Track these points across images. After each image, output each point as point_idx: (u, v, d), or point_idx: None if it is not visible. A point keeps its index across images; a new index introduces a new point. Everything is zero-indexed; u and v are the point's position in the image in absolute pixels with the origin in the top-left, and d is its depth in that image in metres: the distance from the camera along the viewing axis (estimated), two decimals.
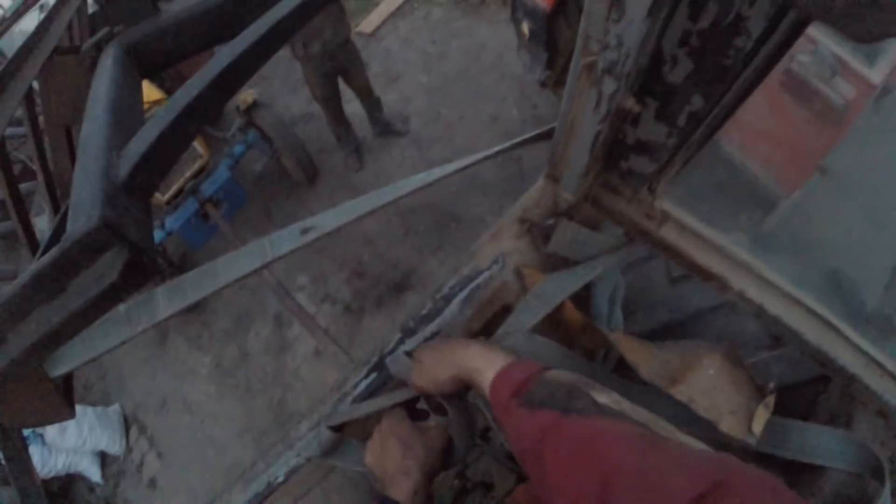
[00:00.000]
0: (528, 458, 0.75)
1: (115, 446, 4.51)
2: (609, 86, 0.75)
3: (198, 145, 4.25)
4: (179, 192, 4.21)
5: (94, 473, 4.62)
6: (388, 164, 5.03)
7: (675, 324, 1.58)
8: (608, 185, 1.11)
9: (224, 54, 0.90)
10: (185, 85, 0.85)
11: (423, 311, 1.24)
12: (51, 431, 4.44)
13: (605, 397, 0.74)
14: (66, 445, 4.51)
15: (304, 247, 1.03)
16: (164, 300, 0.92)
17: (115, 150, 0.76)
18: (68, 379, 0.99)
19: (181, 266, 4.65)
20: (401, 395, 1.15)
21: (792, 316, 1.04)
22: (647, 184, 1.03)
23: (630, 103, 0.78)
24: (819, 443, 1.11)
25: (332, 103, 4.65)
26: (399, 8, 6.54)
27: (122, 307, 0.97)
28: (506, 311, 1.25)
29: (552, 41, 3.54)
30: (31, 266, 0.67)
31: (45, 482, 4.56)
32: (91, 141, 0.79)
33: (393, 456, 1.04)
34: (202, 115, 0.86)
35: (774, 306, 1.03)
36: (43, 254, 0.74)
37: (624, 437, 0.65)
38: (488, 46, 5.58)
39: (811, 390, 1.33)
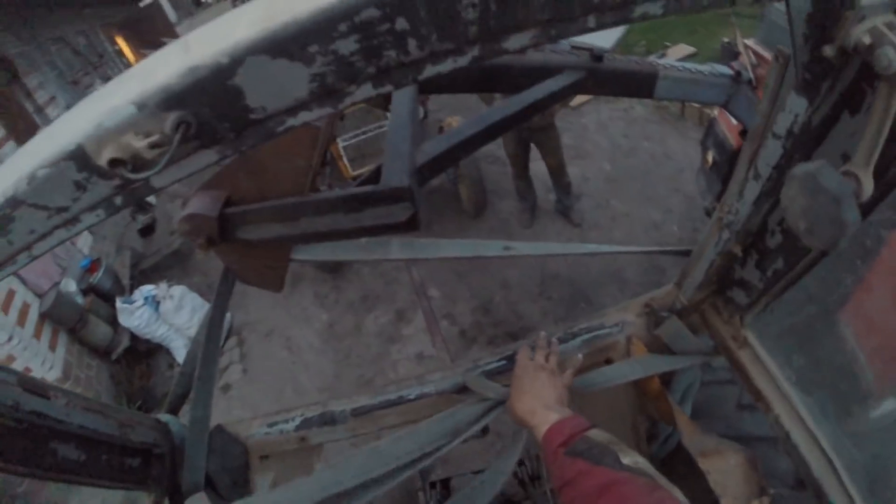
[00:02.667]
0: (566, 493, 1.03)
1: None
2: (725, 234, 1.14)
3: None
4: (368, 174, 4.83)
5: (180, 354, 5.16)
6: (548, 230, 5.35)
7: (730, 439, 1.85)
8: (714, 305, 1.47)
9: (496, 112, 1.34)
10: (467, 122, 1.29)
11: (554, 336, 1.63)
12: (167, 304, 5.06)
13: (628, 459, 1.02)
14: (173, 321, 5.11)
15: (451, 266, 1.46)
16: (397, 248, 1.39)
17: (415, 144, 1.20)
18: (287, 265, 1.40)
19: None
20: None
21: (807, 449, 1.31)
22: (740, 312, 1.37)
23: (737, 249, 1.16)
24: None
25: (518, 162, 5.03)
26: None
27: (363, 240, 1.46)
28: (607, 362, 1.64)
29: (731, 176, 3.77)
30: (349, 189, 1.09)
31: (136, 341, 5.23)
32: (401, 132, 1.22)
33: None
34: (473, 146, 1.30)
35: (797, 437, 1.32)
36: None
37: (635, 484, 0.95)
38: (673, 158, 5.83)
39: None
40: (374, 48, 0.54)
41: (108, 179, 0.61)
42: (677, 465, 1.84)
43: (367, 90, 0.58)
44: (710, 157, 4.06)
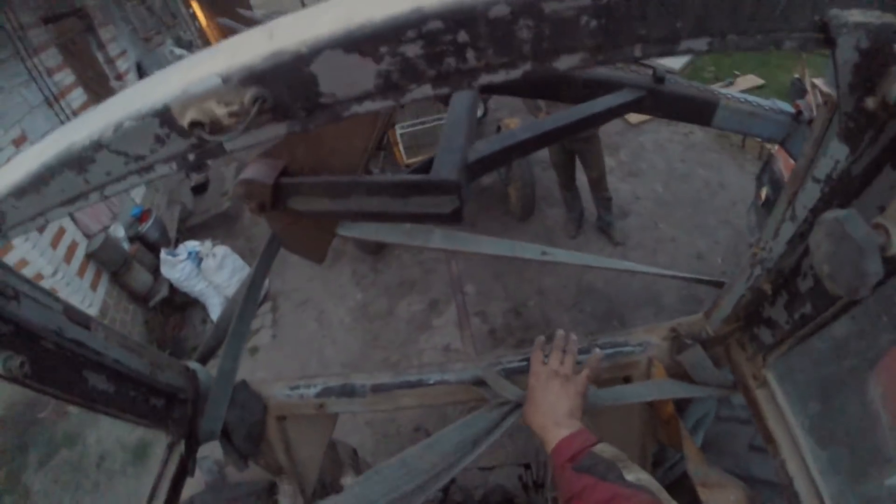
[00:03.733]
0: None
1: None
2: (757, 270, 1.16)
3: None
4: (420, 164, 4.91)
5: (214, 312, 5.36)
6: (591, 244, 5.38)
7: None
8: (739, 341, 1.48)
9: (550, 121, 1.37)
10: (521, 127, 1.33)
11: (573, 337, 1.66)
12: (209, 261, 5.26)
13: (632, 475, 1.06)
14: (212, 278, 5.29)
15: (490, 265, 1.51)
16: (439, 237, 1.45)
17: (468, 141, 1.24)
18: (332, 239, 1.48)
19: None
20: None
21: (808, 501, 1.30)
22: (763, 352, 1.38)
23: (767, 287, 1.18)
24: None
25: (564, 172, 5.05)
26: None
27: (407, 225, 1.52)
28: (626, 380, 1.67)
29: None
30: (400, 175, 1.13)
31: (174, 293, 5.46)
32: (457, 128, 1.25)
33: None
34: (524, 151, 1.33)
35: (799, 486, 1.31)
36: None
37: (637, 499, 0.99)
38: (728, 189, 5.77)
39: None
40: (437, 54, 0.61)
41: (185, 138, 0.69)
42: (678, 494, 1.84)
43: (426, 90, 0.65)
44: (763, 193, 4.02)
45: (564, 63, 0.63)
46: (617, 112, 1.47)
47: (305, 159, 1.15)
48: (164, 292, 5.47)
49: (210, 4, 15.15)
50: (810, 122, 1.67)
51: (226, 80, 0.62)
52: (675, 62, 8.19)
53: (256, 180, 1.10)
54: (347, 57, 0.61)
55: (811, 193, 0.86)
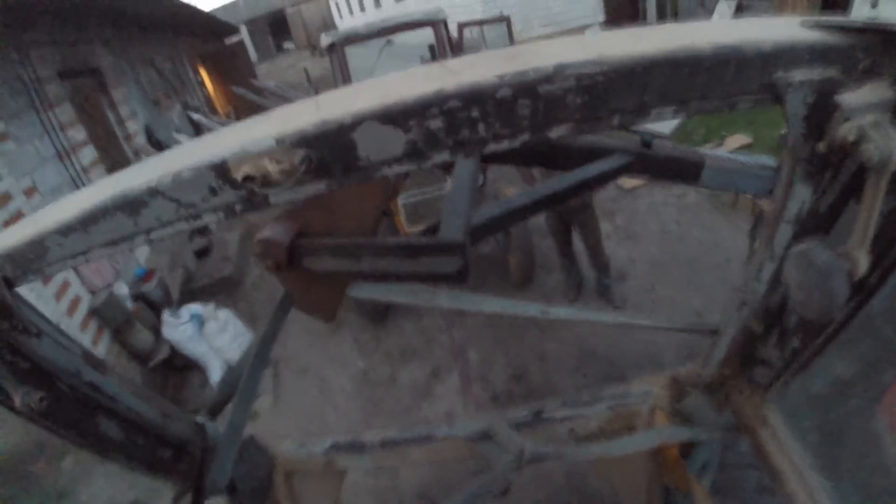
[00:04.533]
0: None
1: None
2: (744, 312, 1.25)
3: None
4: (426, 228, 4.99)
5: (214, 375, 5.29)
6: (591, 308, 5.36)
7: None
8: (738, 387, 1.55)
9: (545, 188, 1.46)
10: (517, 195, 1.41)
11: (581, 398, 1.73)
12: (211, 325, 5.28)
13: None
14: (214, 341, 5.29)
15: (490, 331, 1.59)
16: (444, 297, 1.54)
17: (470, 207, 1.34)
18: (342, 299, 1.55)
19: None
20: None
21: None
22: (761, 390, 1.45)
23: (757, 326, 1.27)
24: None
25: (560, 238, 5.17)
26: None
27: (415, 286, 1.60)
28: (629, 429, 1.72)
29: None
30: (410, 237, 1.23)
31: (175, 355, 5.37)
32: (460, 193, 1.35)
33: None
34: (521, 216, 1.42)
35: None
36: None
37: None
38: (722, 247, 5.86)
39: None
40: (454, 127, 0.77)
41: (237, 189, 0.81)
42: None
43: (444, 155, 0.81)
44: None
45: (556, 132, 0.80)
46: (608, 176, 1.55)
47: (319, 222, 1.22)
48: (164, 353, 5.40)
49: (217, 73, 15.85)
50: None
51: (279, 141, 0.76)
52: (664, 127, 8.42)
53: (273, 240, 1.16)
54: (383, 128, 0.76)
55: (785, 234, 0.97)
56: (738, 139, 7.81)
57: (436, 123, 0.76)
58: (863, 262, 0.76)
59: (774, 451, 1.46)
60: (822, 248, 0.74)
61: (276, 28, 39.12)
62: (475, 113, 0.76)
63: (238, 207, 0.84)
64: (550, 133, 0.80)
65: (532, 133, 0.80)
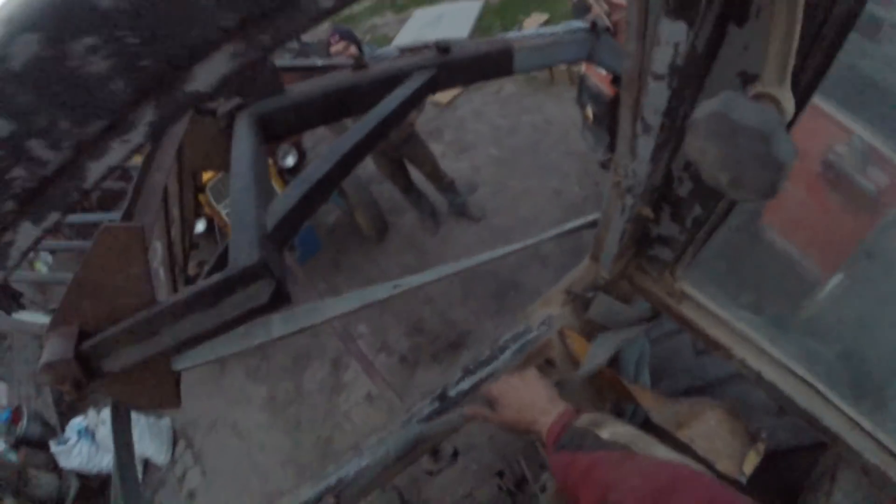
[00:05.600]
0: (565, 490, 1.02)
1: (160, 456, 4.76)
2: (629, 200, 1.02)
3: (278, 191, 4.62)
4: (216, 259, 4.55)
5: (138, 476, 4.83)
6: (455, 230, 5.29)
7: (696, 390, 1.77)
8: (640, 267, 1.36)
9: (346, 139, 1.20)
10: (315, 163, 1.15)
11: (482, 357, 1.50)
12: (102, 430, 4.76)
13: (606, 432, 0.99)
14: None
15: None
16: (279, 325, 1.21)
17: (262, 206, 1.04)
18: (178, 376, 1.28)
19: None
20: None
21: (785, 383, 1.23)
22: (668, 268, 1.27)
23: (646, 212, 1.05)
24: None
25: (398, 180, 4.95)
26: None
27: (241, 328, 1.27)
28: (548, 363, 1.51)
29: (615, 125, 3.80)
30: (197, 284, 0.95)
31: (86, 479, 4.86)
32: (243, 197, 1.07)
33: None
34: (331, 185, 1.15)
35: (770, 374, 1.23)
36: (207, 276, 1.01)
37: (609, 460, 0.93)
38: (555, 123, 5.88)
39: (811, 455, 1.48)
40: None
41: None
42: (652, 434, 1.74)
43: (28, 230, 0.42)
44: (589, 113, 4.09)
45: (205, 76, 0.40)
46: (414, 99, 1.35)
47: (94, 312, 0.96)
48: (75, 485, 4.84)
49: None
50: (608, 29, 1.62)
51: None
52: (461, 31, 8.29)
53: (55, 361, 0.91)
54: None
55: (658, 94, 0.71)
56: (536, 19, 7.75)
57: None
58: (789, 103, 0.51)
59: (704, 321, 1.31)
60: (742, 100, 0.48)
61: None
62: (6, 127, 0.35)
63: None
64: (194, 85, 0.40)
65: (156, 104, 0.39)
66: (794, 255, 2.38)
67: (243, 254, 0.89)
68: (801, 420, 1.25)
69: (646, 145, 0.85)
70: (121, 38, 0.34)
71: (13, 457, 4.80)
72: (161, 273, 1.46)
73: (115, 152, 0.40)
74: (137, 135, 0.40)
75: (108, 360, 0.98)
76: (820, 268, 2.31)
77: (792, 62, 0.50)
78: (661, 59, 0.65)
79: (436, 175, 4.92)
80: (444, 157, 5.72)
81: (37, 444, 5.09)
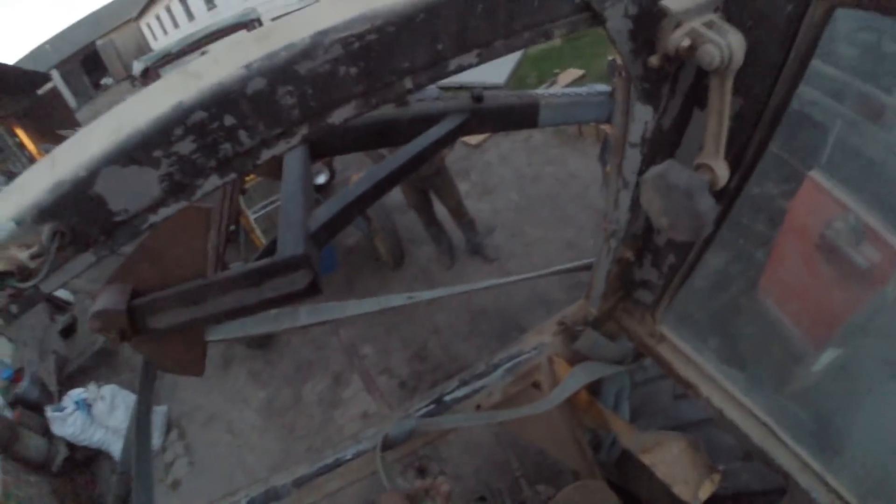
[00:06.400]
0: None
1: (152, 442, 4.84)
2: (613, 243, 1.22)
3: None
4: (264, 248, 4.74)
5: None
6: (468, 268, 5.44)
7: (670, 429, 1.92)
8: (626, 310, 1.54)
9: (384, 167, 1.39)
10: (357, 182, 1.33)
11: (477, 371, 1.67)
12: (99, 406, 4.86)
13: None
14: (108, 423, 4.90)
15: (380, 321, 1.51)
16: (305, 314, 1.40)
17: (307, 210, 1.23)
18: (205, 347, 1.44)
19: None
20: None
21: (744, 422, 1.37)
22: (649, 311, 1.44)
23: (628, 254, 1.24)
24: None
25: (423, 211, 5.13)
26: None
27: (273, 311, 1.46)
28: (535, 385, 1.68)
29: None
30: (248, 265, 1.12)
31: (74, 449, 4.96)
32: (293, 201, 1.25)
33: None
34: (366, 203, 1.33)
35: (730, 413, 1.38)
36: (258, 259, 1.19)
37: None
38: (578, 177, 6.05)
39: (769, 499, 1.61)
40: (211, 144, 0.61)
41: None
42: (629, 466, 1.89)
43: (214, 181, 0.65)
44: (609, 170, 4.23)
45: (339, 116, 0.65)
46: (446, 139, 1.52)
47: (151, 275, 1.10)
48: (62, 453, 4.92)
49: (35, 128, 14.14)
50: None
51: (20, 222, 0.58)
52: (497, 77, 8.59)
53: (108, 309, 1.04)
54: (126, 170, 0.59)
55: (633, 158, 0.92)
56: (571, 74, 7.96)
57: (186, 146, 0.60)
58: (722, 171, 0.71)
59: (677, 362, 1.47)
60: (677, 166, 0.67)
61: (91, 65, 34.61)
62: (230, 120, 0.60)
63: (13, 308, 0.67)
64: (332, 118, 0.65)
65: (310, 125, 0.65)
66: (786, 324, 2.50)
67: (289, 246, 1.07)
68: (757, 457, 1.37)
69: (625, 198, 1.05)
70: (304, 91, 0.60)
71: (8, 413, 4.95)
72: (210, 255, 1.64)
73: (279, 147, 0.64)
74: (294, 140, 0.65)
75: (154, 318, 1.12)
76: (808, 338, 2.42)
77: (723, 141, 0.69)
78: (635, 132, 0.85)
79: (459, 212, 5.08)
80: (467, 196, 5.88)
81: (33, 407, 5.22)
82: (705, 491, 1.42)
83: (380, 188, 1.35)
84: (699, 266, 1.20)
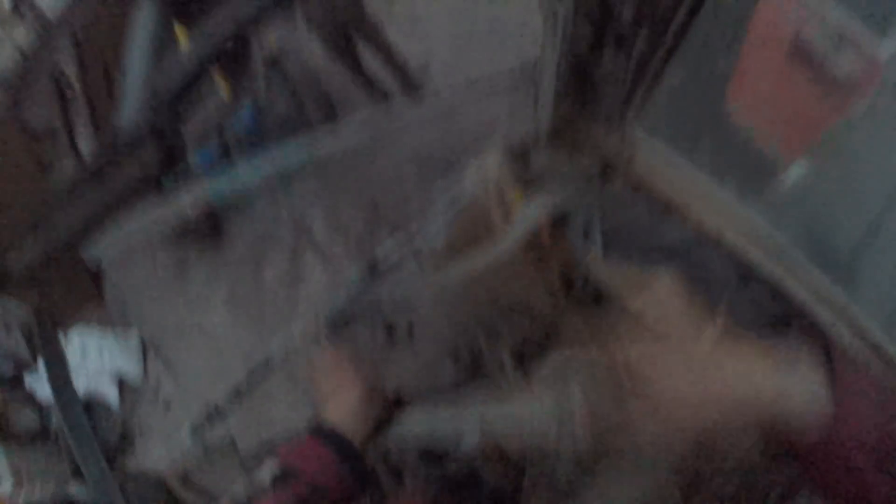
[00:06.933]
0: None
1: (133, 371, 4.83)
2: (561, 23, 0.89)
3: (221, 89, 4.35)
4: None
5: (112, 398, 4.90)
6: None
7: (652, 256, 1.73)
8: (586, 122, 1.26)
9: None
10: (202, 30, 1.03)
11: (410, 224, 1.45)
12: (72, 357, 4.68)
13: None
14: (87, 368, 4.79)
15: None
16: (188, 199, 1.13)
17: (154, 71, 0.95)
18: (96, 268, 1.23)
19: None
20: None
21: (747, 243, 1.19)
22: (616, 117, 1.18)
23: (581, 28, 0.92)
24: None
25: (346, 58, 4.48)
26: None
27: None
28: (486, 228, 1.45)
29: None
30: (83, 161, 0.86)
31: None
32: (135, 62, 0.97)
33: (342, 368, 1.11)
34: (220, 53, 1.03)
35: (731, 235, 1.20)
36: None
37: None
38: None
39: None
40: None
41: None
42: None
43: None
44: None
45: None
46: None
47: None
48: (57, 415, 4.84)
49: None
50: None
51: None
52: None
53: None
54: None
55: None
56: None
57: None
58: None
59: (656, 180, 1.25)
60: None
61: None
62: None
63: None
64: None
65: None
66: (757, 138, 2.31)
67: (130, 116, 0.83)
68: (768, 284, 1.20)
69: None
70: None
71: None
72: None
73: None
74: None
75: (11, 259, 1.05)
76: (782, 154, 2.25)
77: None
78: None
79: (386, 51, 4.58)
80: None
81: (13, 382, 5.06)
82: (709, 339, 1.24)
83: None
84: (678, 53, 0.91)
